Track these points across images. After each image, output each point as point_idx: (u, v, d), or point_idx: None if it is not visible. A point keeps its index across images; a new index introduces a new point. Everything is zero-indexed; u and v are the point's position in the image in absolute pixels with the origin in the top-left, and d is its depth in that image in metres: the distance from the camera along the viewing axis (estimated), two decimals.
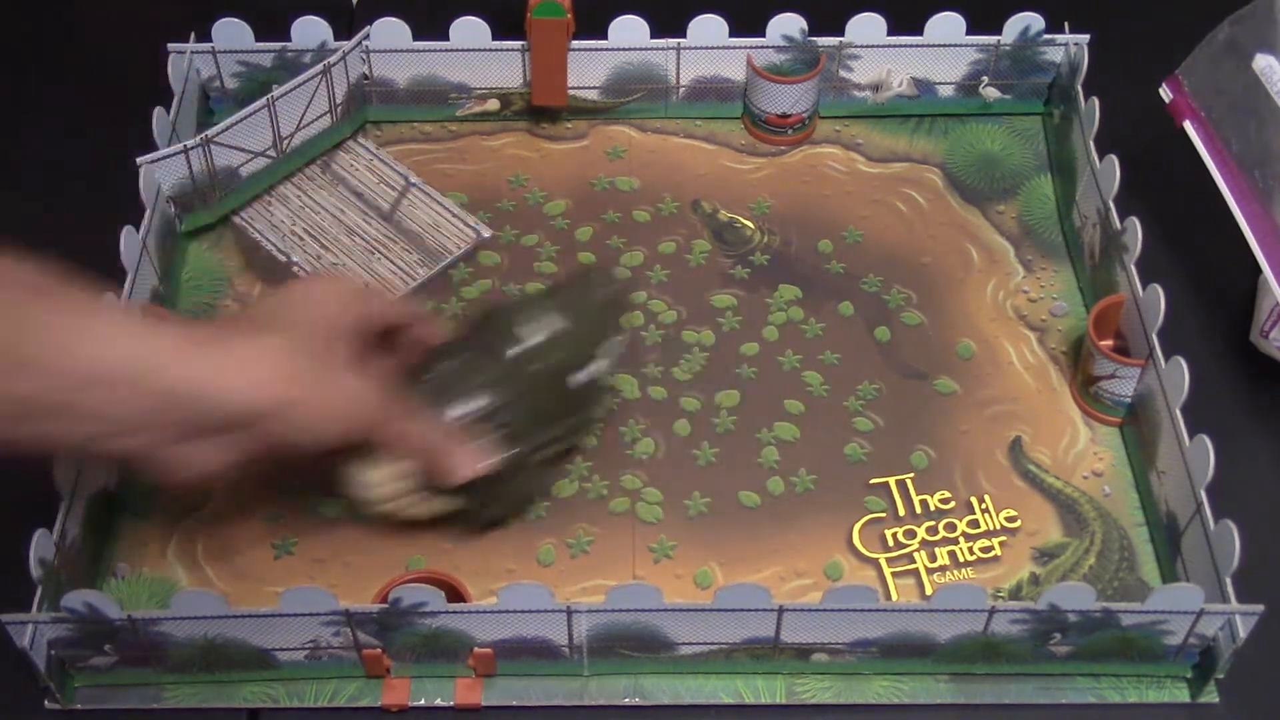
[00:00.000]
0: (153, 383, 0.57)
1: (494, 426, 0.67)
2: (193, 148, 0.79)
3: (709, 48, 0.86)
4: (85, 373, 0.56)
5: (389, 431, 0.65)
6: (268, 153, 0.83)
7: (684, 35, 0.85)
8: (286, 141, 0.84)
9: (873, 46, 0.86)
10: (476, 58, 0.86)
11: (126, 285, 0.74)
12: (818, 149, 0.88)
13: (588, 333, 0.69)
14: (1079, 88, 0.83)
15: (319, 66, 0.83)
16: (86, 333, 0.57)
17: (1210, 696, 0.66)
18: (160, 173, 0.79)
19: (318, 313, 0.65)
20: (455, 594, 0.67)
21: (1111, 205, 0.77)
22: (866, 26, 0.85)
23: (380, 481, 0.67)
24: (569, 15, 0.83)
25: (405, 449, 0.66)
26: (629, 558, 0.70)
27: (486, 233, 0.83)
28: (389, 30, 0.85)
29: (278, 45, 0.85)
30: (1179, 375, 0.68)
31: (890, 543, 0.71)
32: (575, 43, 0.85)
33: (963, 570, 0.70)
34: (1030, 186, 0.86)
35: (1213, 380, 0.76)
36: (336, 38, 0.85)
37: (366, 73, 0.86)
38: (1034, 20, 0.85)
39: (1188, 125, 0.79)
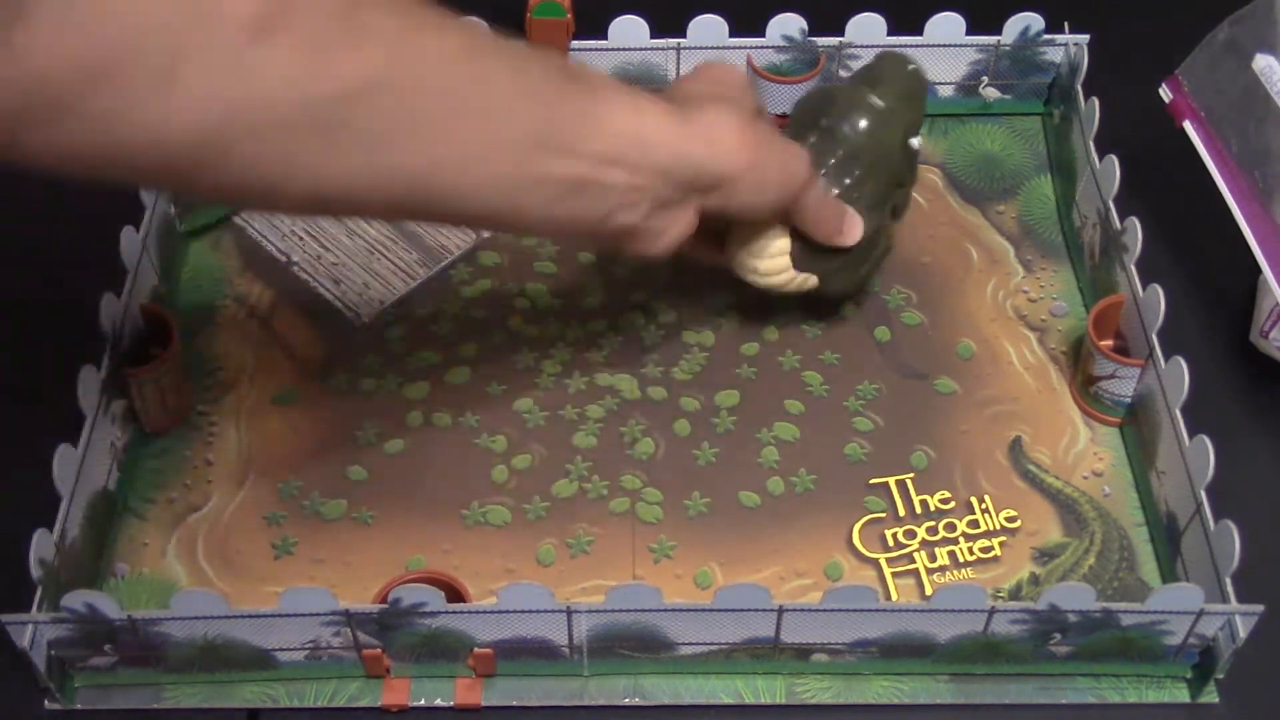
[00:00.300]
0: (657, 155, 0.61)
1: (860, 195, 0.72)
2: None
3: (709, 48, 0.86)
4: (610, 150, 0.60)
5: (809, 196, 0.69)
6: None
7: (684, 35, 0.85)
8: None
9: (873, 46, 0.86)
10: None
11: (126, 285, 0.74)
12: None
13: (908, 103, 0.74)
14: (1079, 88, 0.83)
15: None
16: (604, 113, 0.60)
17: (1210, 696, 0.66)
18: None
19: (744, 86, 0.69)
20: (455, 594, 0.67)
21: (1111, 205, 0.77)
22: (866, 26, 0.85)
23: (776, 254, 0.71)
24: (569, 15, 0.83)
25: (816, 214, 0.70)
26: (629, 558, 0.70)
27: (486, 232, 0.83)
28: None
29: None
30: (1179, 375, 0.68)
31: (890, 543, 0.71)
32: (575, 43, 0.85)
33: (963, 570, 0.70)
34: (1030, 186, 0.86)
35: (1213, 380, 0.76)
36: None
37: None
38: (1034, 20, 0.85)
39: (1188, 125, 0.79)
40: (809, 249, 0.72)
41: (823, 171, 0.71)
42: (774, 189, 0.67)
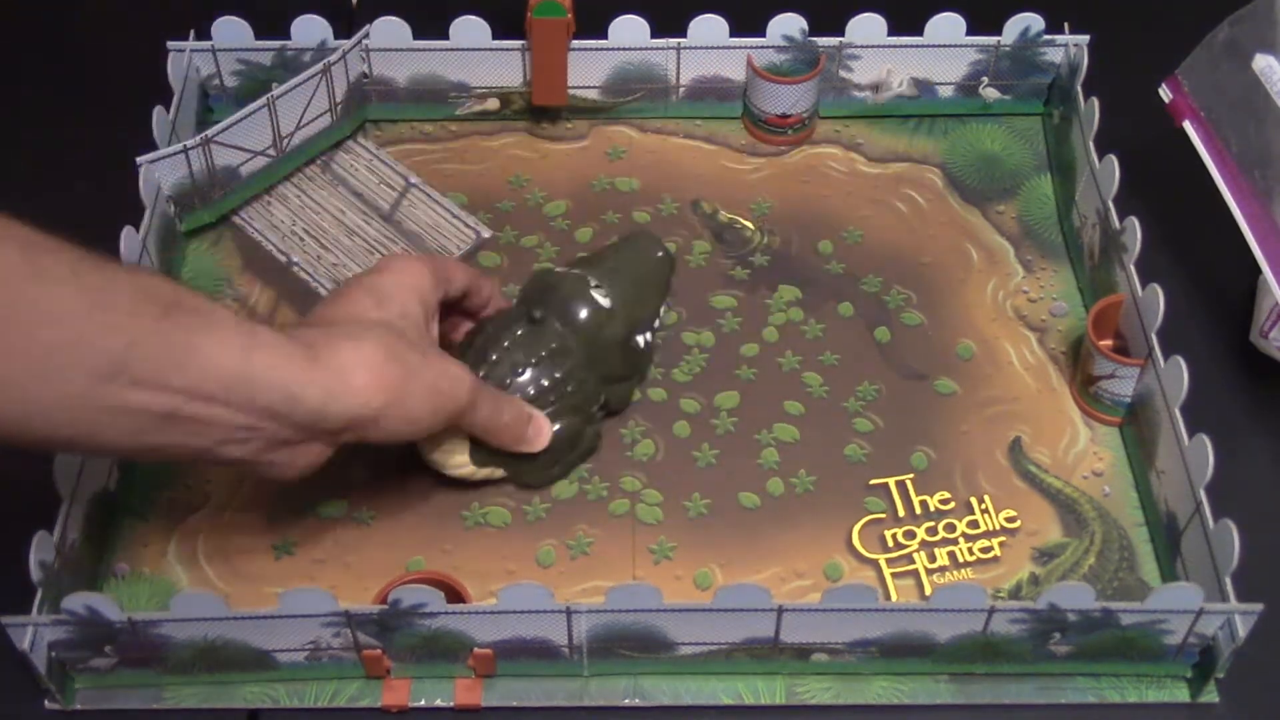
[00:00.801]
0: (267, 397, 0.59)
1: (561, 395, 0.70)
2: (193, 147, 0.79)
3: (709, 48, 0.86)
4: (204, 387, 0.57)
5: (479, 414, 0.66)
6: (267, 152, 0.83)
7: (684, 35, 0.85)
8: (286, 140, 0.84)
9: (873, 47, 0.86)
10: (476, 57, 0.86)
11: None
12: (818, 149, 0.88)
13: (642, 298, 0.72)
14: (1079, 88, 0.83)
15: (319, 65, 0.83)
16: (203, 346, 0.57)
17: (1210, 696, 0.66)
18: (160, 172, 0.79)
19: (414, 298, 0.67)
20: (455, 595, 0.67)
21: (1111, 205, 0.77)
22: (866, 27, 0.85)
23: (463, 463, 0.69)
24: (569, 15, 0.83)
25: (490, 426, 0.67)
26: (629, 559, 0.70)
27: (487, 233, 0.83)
28: (389, 29, 0.85)
29: (277, 44, 0.85)
30: (1178, 375, 0.68)
31: (890, 543, 0.71)
32: (575, 42, 0.85)
33: (962, 571, 0.70)
34: (1030, 187, 0.86)
35: (1212, 380, 0.76)
36: (336, 36, 0.85)
37: (366, 72, 0.86)
38: (1034, 21, 0.85)
39: (1188, 125, 0.79)
40: (486, 448, 0.69)
41: (532, 361, 0.69)
42: (425, 418, 0.64)
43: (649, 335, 0.73)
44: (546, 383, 0.69)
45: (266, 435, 0.60)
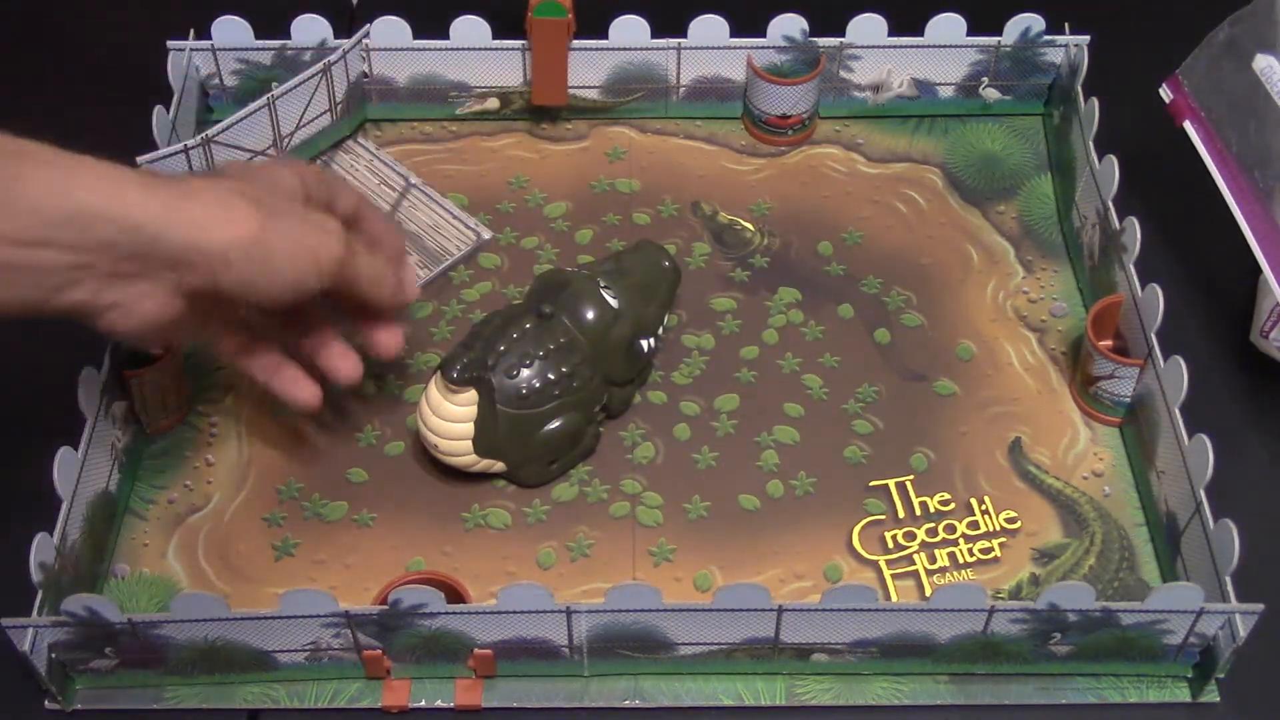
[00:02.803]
0: (114, 215, 0.56)
1: (566, 390, 0.70)
2: (193, 147, 0.79)
3: (709, 48, 0.86)
4: (31, 230, 0.55)
5: (352, 266, 0.64)
6: (267, 151, 0.83)
7: (684, 35, 0.85)
8: (286, 140, 0.84)
9: (873, 47, 0.86)
10: (477, 56, 0.86)
11: None
12: (818, 149, 0.88)
13: (648, 303, 0.72)
14: (1079, 88, 0.83)
15: (319, 65, 0.83)
16: (25, 186, 0.55)
17: (1211, 696, 0.66)
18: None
19: (286, 170, 0.65)
20: (455, 595, 0.67)
21: (1111, 205, 0.77)
22: (867, 27, 0.85)
23: (463, 451, 0.69)
24: (570, 15, 0.83)
25: (363, 282, 0.65)
26: (629, 561, 0.70)
27: (487, 234, 0.83)
28: (389, 29, 0.85)
29: (277, 43, 0.85)
30: (1178, 375, 0.68)
31: (890, 545, 0.71)
32: (575, 42, 0.85)
33: (963, 572, 0.70)
34: (1030, 187, 0.86)
35: (1212, 380, 0.76)
36: (336, 36, 0.85)
37: (366, 71, 0.86)
38: (1034, 21, 0.85)
39: (1188, 125, 0.79)
40: (489, 438, 0.69)
41: (540, 354, 0.69)
42: (289, 267, 0.61)
43: (652, 341, 0.73)
44: (553, 376, 0.70)
45: (99, 271, 0.57)
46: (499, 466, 0.71)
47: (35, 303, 0.57)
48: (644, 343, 0.73)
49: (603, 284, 0.71)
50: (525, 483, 0.72)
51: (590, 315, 0.70)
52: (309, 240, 0.62)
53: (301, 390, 0.69)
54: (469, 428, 0.69)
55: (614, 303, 0.71)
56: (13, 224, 0.55)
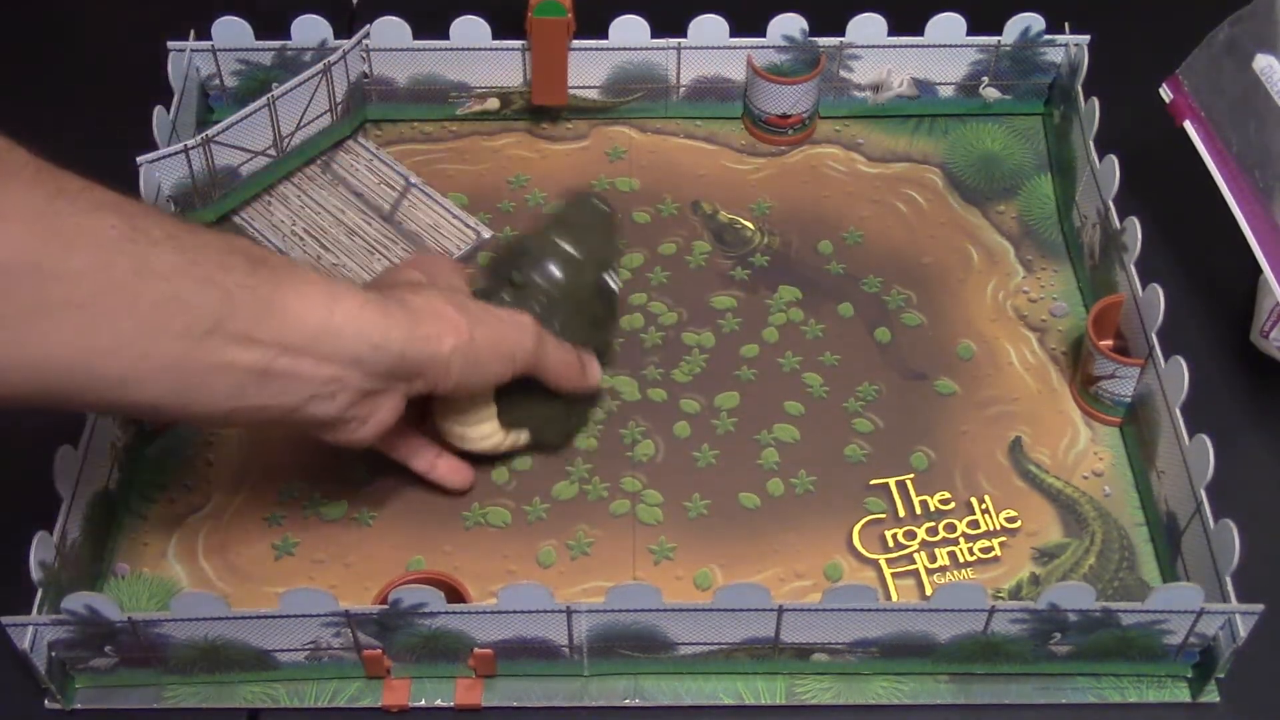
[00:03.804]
0: (352, 345, 0.60)
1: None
2: (193, 147, 0.79)
3: (709, 48, 0.86)
4: (293, 340, 0.58)
5: (549, 358, 0.68)
6: (268, 152, 0.83)
7: (684, 35, 0.85)
8: (287, 140, 0.84)
9: (873, 47, 0.86)
10: (477, 57, 0.86)
11: None
12: (818, 149, 0.88)
13: (600, 242, 0.73)
14: (1079, 88, 0.83)
15: (319, 65, 0.83)
16: (290, 300, 0.58)
17: (1211, 696, 0.66)
18: (160, 172, 0.79)
19: (453, 272, 0.71)
20: (455, 595, 0.67)
21: (1111, 205, 0.77)
22: (867, 27, 0.85)
23: (489, 433, 0.70)
24: (569, 15, 0.83)
25: (557, 370, 0.69)
26: (629, 559, 0.70)
27: (487, 234, 0.83)
28: (389, 29, 0.85)
29: (277, 44, 0.85)
30: (1178, 375, 0.68)
31: (890, 544, 0.71)
32: (575, 42, 0.85)
33: (963, 571, 0.70)
34: (1030, 186, 0.86)
35: (1213, 380, 0.76)
36: (336, 36, 0.85)
37: (366, 71, 0.86)
38: (1034, 21, 0.85)
39: (1188, 125, 0.79)
40: (514, 408, 0.70)
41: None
42: (494, 365, 0.65)
43: (615, 276, 0.75)
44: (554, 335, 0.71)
45: (352, 386, 0.61)
46: (525, 438, 0.72)
47: (287, 413, 0.60)
48: (609, 279, 0.74)
49: (555, 238, 0.72)
50: (551, 445, 0.73)
51: (558, 271, 0.71)
52: (509, 336, 0.66)
53: (462, 475, 0.72)
54: (490, 408, 0.70)
55: (575, 252, 0.72)
56: (280, 331, 0.58)
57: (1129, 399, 0.73)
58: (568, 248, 0.71)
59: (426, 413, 0.71)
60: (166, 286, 0.54)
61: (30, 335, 0.52)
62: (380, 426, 0.64)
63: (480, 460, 0.73)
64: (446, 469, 0.71)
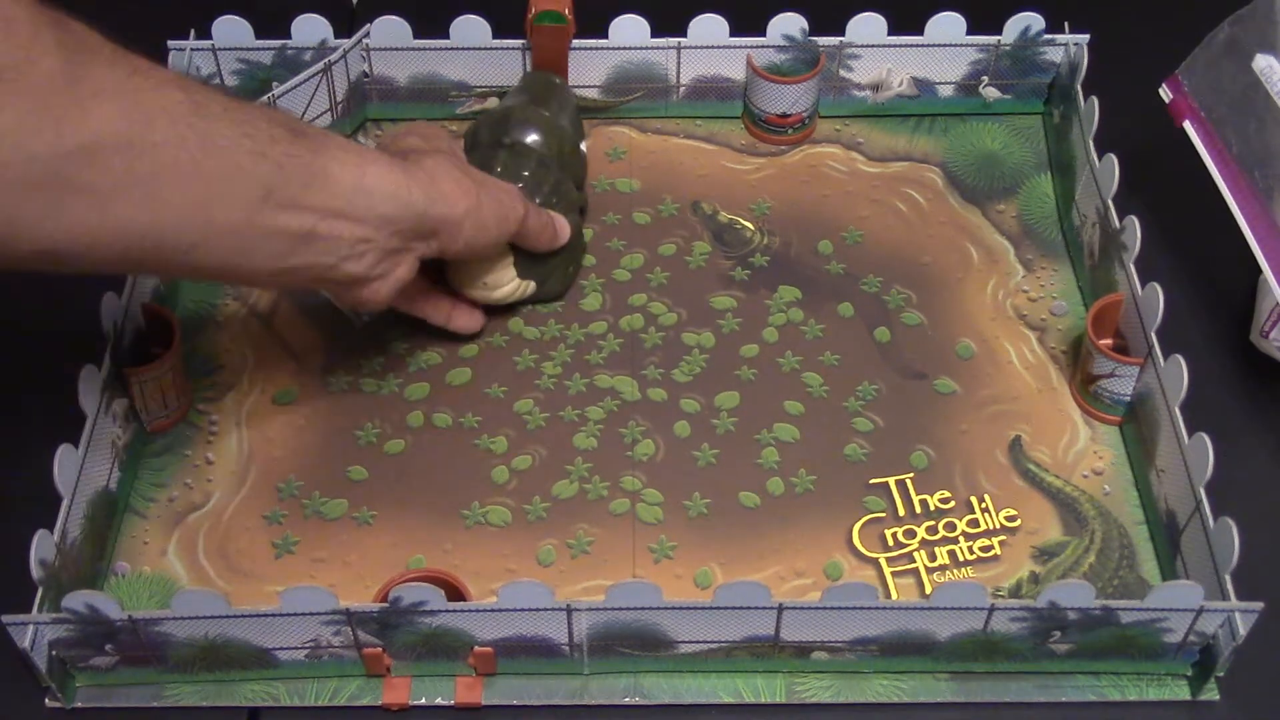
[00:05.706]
0: (382, 206, 0.64)
1: (560, 200, 0.77)
2: None
3: (709, 47, 0.86)
4: (333, 204, 0.62)
5: (529, 223, 0.73)
6: None
7: (684, 35, 0.86)
8: None
9: (873, 46, 0.86)
10: (477, 56, 0.86)
11: (128, 284, 0.74)
12: (818, 149, 0.88)
13: (563, 109, 0.81)
14: (1079, 88, 0.83)
15: (319, 65, 0.83)
16: (329, 166, 0.62)
17: (1211, 694, 0.66)
18: None
19: (447, 143, 0.74)
20: (455, 593, 0.67)
21: (1111, 204, 0.77)
22: (867, 26, 0.85)
23: (505, 267, 0.75)
24: (569, 21, 0.83)
25: (535, 233, 0.74)
26: (629, 558, 0.70)
27: None
28: (389, 28, 0.85)
29: (278, 43, 0.85)
30: (1178, 374, 0.68)
31: (890, 542, 0.71)
32: (575, 42, 0.85)
33: (963, 569, 0.70)
34: (1030, 186, 0.86)
35: (1212, 380, 0.76)
36: (336, 36, 0.85)
37: (367, 71, 0.87)
38: (1034, 20, 0.85)
39: (1188, 125, 0.79)
40: (529, 259, 0.76)
41: (519, 185, 0.75)
42: (494, 227, 0.70)
43: (584, 144, 0.82)
44: (547, 189, 0.76)
45: (378, 245, 0.65)
46: (532, 288, 0.77)
47: (324, 271, 0.64)
48: (582, 145, 0.81)
49: (531, 106, 0.78)
50: (553, 294, 0.79)
51: (542, 132, 0.77)
52: (506, 202, 0.71)
53: (474, 319, 0.77)
54: (509, 261, 0.75)
55: (550, 115, 0.78)
56: (322, 197, 0.62)
57: (1128, 398, 0.73)
58: (544, 112, 0.78)
59: (437, 279, 0.76)
60: (229, 158, 0.58)
61: (117, 206, 0.56)
62: (398, 284, 0.68)
63: (480, 460, 0.73)
64: (462, 318, 0.77)
